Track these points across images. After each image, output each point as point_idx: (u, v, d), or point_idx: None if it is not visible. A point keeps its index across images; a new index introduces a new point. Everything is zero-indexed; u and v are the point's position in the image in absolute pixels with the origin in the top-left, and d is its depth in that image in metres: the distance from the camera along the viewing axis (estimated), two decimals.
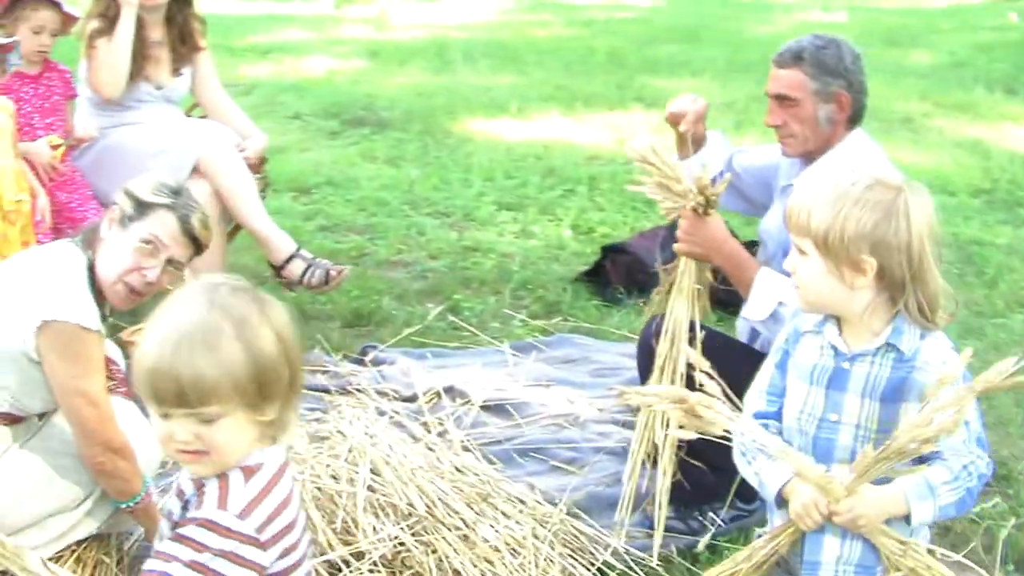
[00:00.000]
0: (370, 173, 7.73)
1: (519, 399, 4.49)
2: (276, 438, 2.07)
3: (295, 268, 4.98)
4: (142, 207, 3.26)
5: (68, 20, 4.79)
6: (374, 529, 3.34)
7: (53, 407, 3.28)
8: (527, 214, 6.88)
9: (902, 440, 2.13)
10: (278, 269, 5.02)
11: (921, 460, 2.24)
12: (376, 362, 4.87)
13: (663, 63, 11.10)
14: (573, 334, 5.17)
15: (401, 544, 3.30)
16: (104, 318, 3.29)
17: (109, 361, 3.53)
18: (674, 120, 3.89)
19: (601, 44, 12.12)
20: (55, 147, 4.67)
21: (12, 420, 3.23)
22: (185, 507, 2.08)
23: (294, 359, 2.05)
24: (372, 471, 3.64)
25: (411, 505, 3.40)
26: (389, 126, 8.96)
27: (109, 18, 4.95)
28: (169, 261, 3.29)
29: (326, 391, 4.57)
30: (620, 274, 5.62)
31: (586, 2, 15.72)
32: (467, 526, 3.39)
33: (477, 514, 3.48)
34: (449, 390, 4.55)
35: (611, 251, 5.80)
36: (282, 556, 2.02)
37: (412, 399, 4.50)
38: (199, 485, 2.04)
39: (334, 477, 3.63)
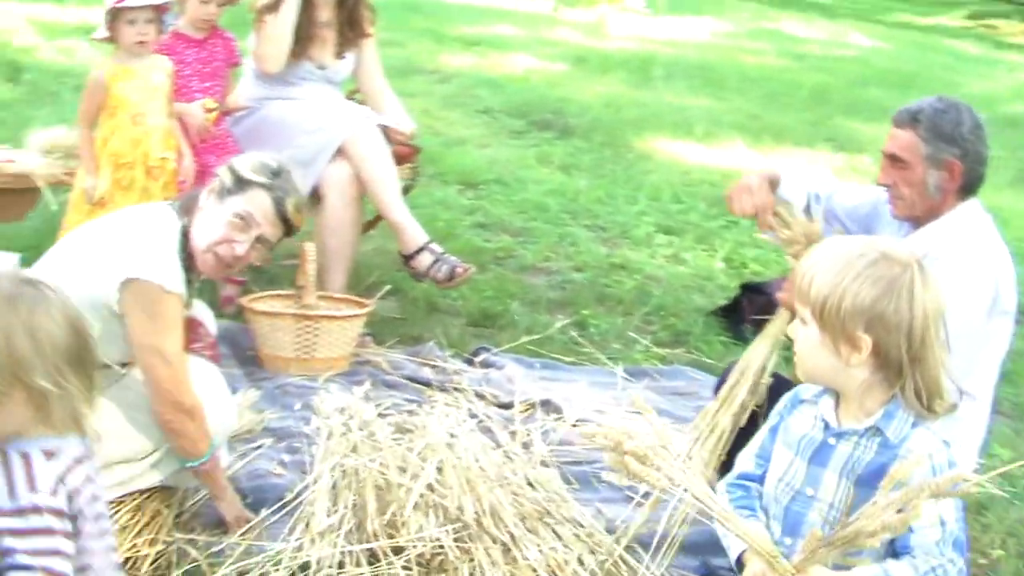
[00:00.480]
0: (540, 177, 7.76)
1: (613, 424, 4.44)
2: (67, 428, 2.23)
3: (423, 260, 5.03)
4: (241, 183, 3.37)
5: None
6: (420, 527, 3.34)
7: (130, 359, 3.40)
8: (683, 240, 6.80)
9: (849, 529, 2.04)
10: (407, 259, 5.08)
11: (894, 554, 2.14)
12: (485, 364, 4.89)
13: (865, 106, 10.81)
14: (690, 367, 5.10)
15: (440, 547, 3.30)
16: (190, 283, 3.39)
17: (197, 324, 3.65)
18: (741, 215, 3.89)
19: (808, 79, 11.89)
20: (209, 110, 4.84)
21: None
22: None
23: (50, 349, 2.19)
24: (438, 469, 3.64)
25: (460, 510, 3.40)
26: (573, 133, 8.97)
27: None
28: (259, 239, 3.40)
29: (427, 384, 4.62)
30: (753, 313, 5.50)
31: (808, 35, 15.43)
32: (513, 541, 3.37)
33: (528, 531, 3.45)
34: (546, 403, 4.53)
35: (750, 289, 5.70)
36: None
37: (508, 406, 4.50)
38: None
39: (402, 469, 3.65)
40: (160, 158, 4.59)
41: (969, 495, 2.10)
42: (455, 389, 4.58)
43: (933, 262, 3.29)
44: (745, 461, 2.47)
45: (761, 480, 2.42)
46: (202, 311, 3.81)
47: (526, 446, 4.19)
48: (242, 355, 4.79)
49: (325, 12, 5.23)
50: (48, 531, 2.19)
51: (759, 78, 11.72)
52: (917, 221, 3.43)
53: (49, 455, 2.23)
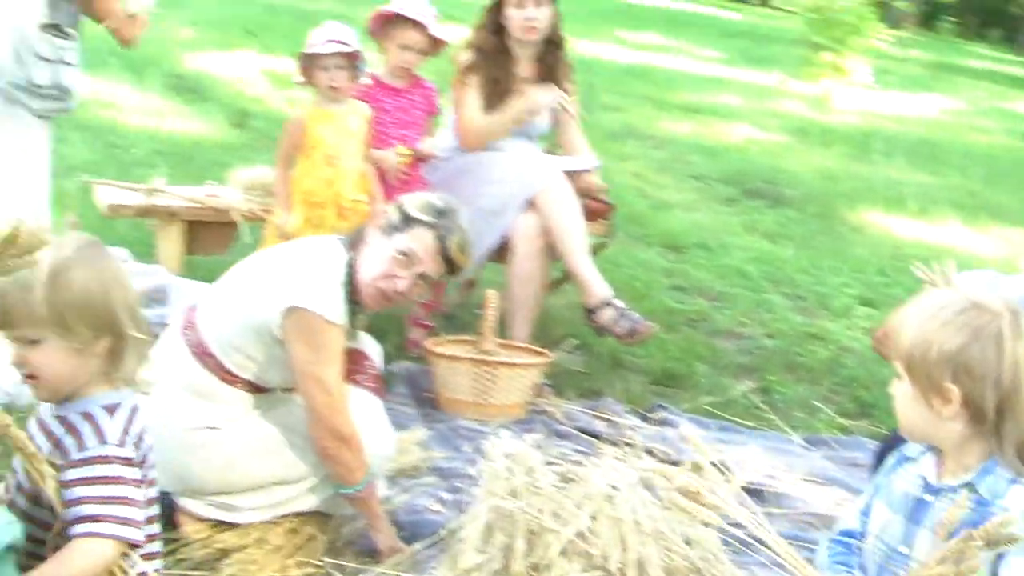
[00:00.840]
0: (745, 244, 7.71)
1: (783, 489, 4.35)
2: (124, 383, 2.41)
3: (605, 315, 5.02)
4: (406, 220, 3.47)
5: (437, 42, 5.08)
6: (563, 573, 3.33)
7: (291, 385, 3.50)
8: (884, 313, 6.58)
9: None
10: (590, 312, 5.08)
11: None
12: (660, 422, 4.85)
13: None
14: (871, 439, 4.94)
15: None
16: (354, 315, 3.48)
17: (362, 356, 3.73)
18: None
19: None
20: (402, 156, 4.98)
21: (254, 389, 3.48)
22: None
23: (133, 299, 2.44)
24: (592, 518, 3.62)
25: (605, 559, 3.37)
26: (785, 203, 8.89)
27: (483, 52, 5.23)
28: (421, 275, 3.48)
29: (598, 437, 4.61)
30: None
31: None
32: None
33: None
34: (716, 464, 4.45)
35: None
36: None
37: (676, 464, 4.44)
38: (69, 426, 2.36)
39: (556, 515, 3.65)
40: (352, 200, 4.74)
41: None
42: (626, 444, 4.54)
43: None
44: (849, 517, 2.39)
45: (863, 537, 2.33)
46: (369, 344, 3.89)
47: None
48: (420, 396, 4.87)
49: (525, 68, 5.33)
50: (117, 479, 2.33)
51: (983, 156, 11.40)
52: None
53: (111, 410, 2.39)
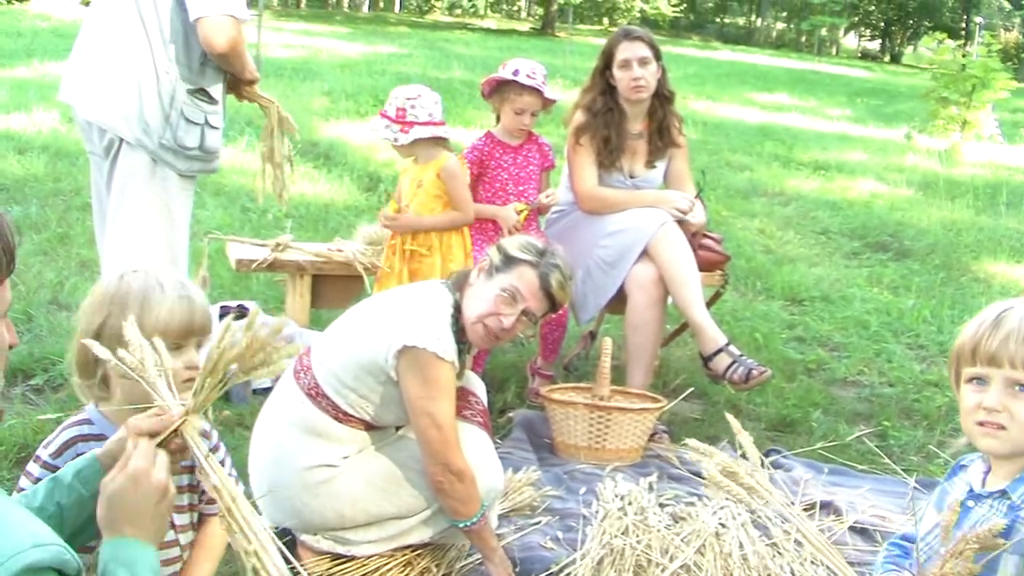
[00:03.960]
0: (866, 296, 7.73)
1: (893, 528, 4.38)
2: None
3: (721, 362, 5.11)
4: (508, 260, 3.64)
5: (548, 102, 5.30)
6: None
7: (404, 423, 3.68)
8: None
9: None
10: (705, 360, 5.17)
11: None
12: (774, 465, 4.91)
13: None
14: None
15: None
16: (461, 353, 3.65)
17: (469, 393, 3.89)
18: None
19: None
20: (519, 212, 5.18)
21: (368, 427, 3.66)
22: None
23: None
24: (699, 553, 3.73)
25: None
26: (909, 255, 8.88)
27: (594, 112, 5.40)
28: (524, 312, 3.64)
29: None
30: None
31: None
32: None
33: None
34: (827, 505, 4.51)
35: None
36: None
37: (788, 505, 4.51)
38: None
39: (665, 551, 3.76)
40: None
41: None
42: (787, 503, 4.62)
43: None
44: (909, 523, 2.46)
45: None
46: (475, 382, 4.05)
47: (799, 544, 4.19)
48: (538, 442, 5.02)
49: (636, 125, 5.49)
50: None
51: None
52: None
53: None
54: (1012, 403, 2.15)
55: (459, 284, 3.73)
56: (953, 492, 2.34)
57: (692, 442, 2.74)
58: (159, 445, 2.20)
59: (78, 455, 2.63)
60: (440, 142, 5.03)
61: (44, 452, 2.71)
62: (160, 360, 2.32)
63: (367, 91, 12.67)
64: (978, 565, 2.14)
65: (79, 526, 2.30)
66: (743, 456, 4.94)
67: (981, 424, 2.18)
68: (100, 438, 2.68)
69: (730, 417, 2.87)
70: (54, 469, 2.62)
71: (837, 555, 2.75)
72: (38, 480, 2.65)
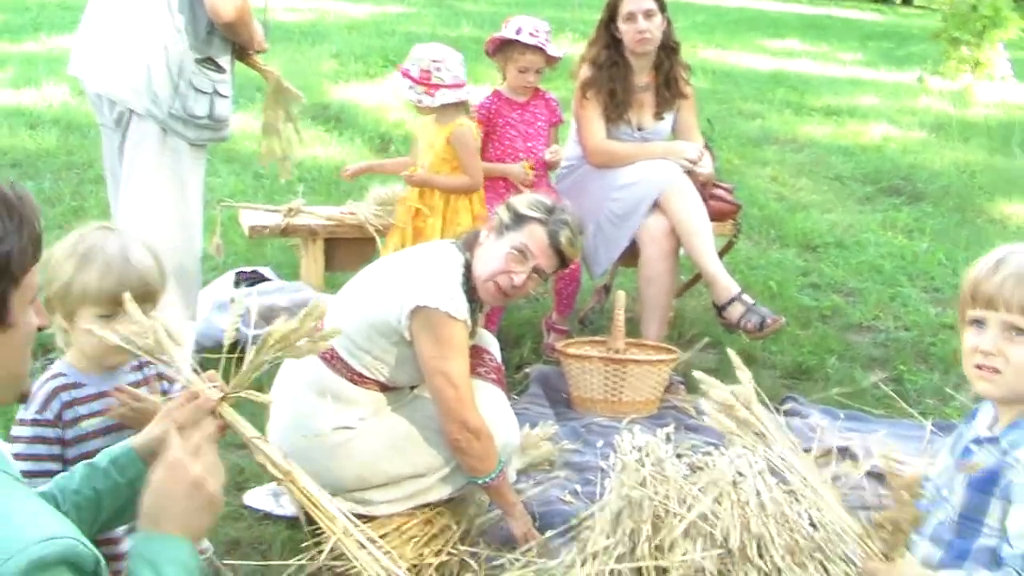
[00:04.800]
0: (880, 240, 7.72)
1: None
2: None
3: (734, 311, 5.13)
4: (518, 219, 3.66)
5: (552, 59, 5.30)
6: (685, 552, 3.47)
7: (419, 383, 3.72)
8: None
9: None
10: (719, 309, 5.20)
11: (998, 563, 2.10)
12: (790, 412, 4.94)
13: None
14: None
15: (700, 571, 3.42)
16: (473, 312, 3.68)
17: (483, 351, 3.93)
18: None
19: None
20: (529, 168, 5.21)
21: (384, 388, 3.70)
22: None
23: None
24: (716, 502, 3.76)
25: (726, 538, 3.50)
26: (923, 198, 8.86)
27: (600, 66, 5.39)
28: (535, 269, 3.66)
29: None
30: None
31: None
32: (778, 572, 3.44)
33: (796, 564, 3.51)
34: (843, 450, 4.54)
35: None
36: None
37: (805, 452, 4.53)
38: None
39: (681, 501, 3.79)
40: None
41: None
42: (755, 434, 4.64)
43: None
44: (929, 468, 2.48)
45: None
46: (488, 340, 4.09)
47: (815, 490, 4.22)
48: (555, 396, 5.05)
49: (643, 77, 5.48)
50: None
51: None
52: None
53: None
54: (1008, 347, 2.15)
55: (469, 244, 3.76)
56: (967, 435, 2.36)
57: (698, 374, 2.76)
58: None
59: (64, 404, 2.71)
60: (462, 105, 5.07)
61: (29, 412, 2.76)
62: (169, 340, 2.36)
63: (376, 52, 12.61)
64: (923, 512, 2.16)
65: (115, 512, 2.33)
66: (762, 405, 5.00)
67: (978, 367, 2.18)
68: (79, 386, 2.79)
69: (730, 352, 2.88)
70: (46, 423, 2.72)
71: (822, 485, 2.76)
72: (32, 440, 2.70)
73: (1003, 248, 2.25)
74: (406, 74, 5.01)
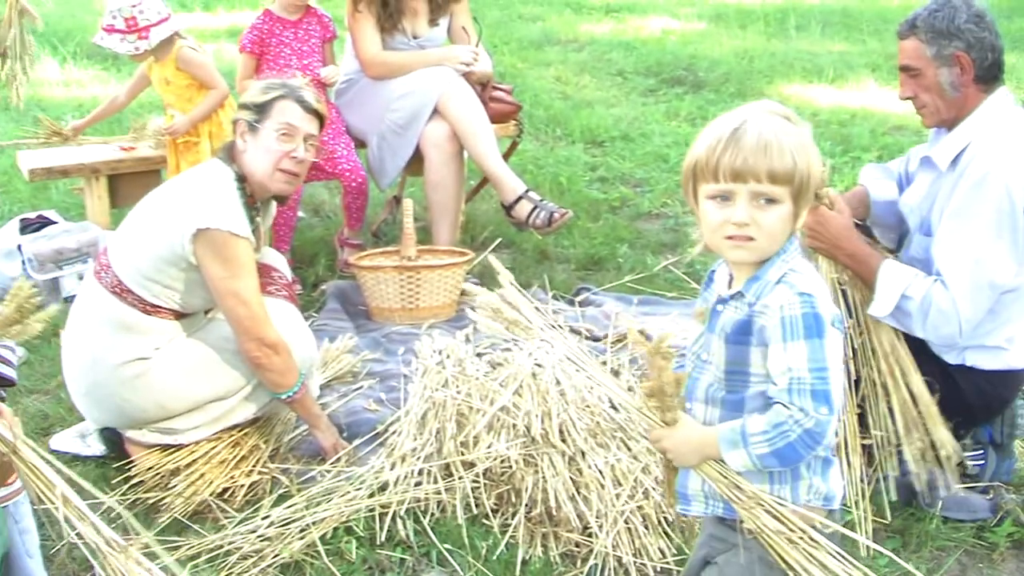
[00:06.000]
0: (665, 130, 7.87)
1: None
2: None
3: (522, 209, 5.20)
4: (262, 107, 3.75)
5: None
6: (489, 445, 3.55)
7: (212, 306, 3.69)
8: None
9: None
10: (507, 209, 5.26)
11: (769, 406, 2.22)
12: (585, 303, 5.05)
13: (1017, 39, 10.52)
14: None
15: (506, 461, 3.50)
16: (253, 220, 3.68)
17: (271, 268, 3.92)
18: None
19: None
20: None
21: (177, 315, 3.66)
22: None
23: None
24: (516, 394, 3.84)
25: (528, 427, 3.59)
26: (704, 87, 9.06)
27: None
28: (306, 138, 3.76)
29: None
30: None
31: None
32: (582, 455, 3.54)
33: (599, 446, 3.62)
34: (639, 334, 4.65)
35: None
36: None
37: (601, 339, 4.66)
38: None
39: (484, 397, 3.86)
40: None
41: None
42: (551, 326, 4.74)
43: (974, 159, 3.34)
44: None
45: None
46: (274, 257, 4.09)
47: (615, 373, 4.34)
48: (353, 310, 5.07)
49: None
50: None
51: (898, 19, 11.47)
52: (948, 125, 3.46)
53: None
54: (758, 214, 2.21)
55: (231, 155, 3.75)
56: (712, 300, 2.44)
57: (468, 285, 2.82)
58: None
59: None
60: (175, 36, 5.16)
61: None
62: None
63: None
64: (682, 373, 2.29)
65: None
66: (554, 297, 5.11)
67: (730, 238, 2.24)
68: None
69: (491, 257, 2.94)
70: None
71: (594, 367, 2.87)
72: None
73: (728, 118, 2.29)
74: (112, 29, 4.99)
